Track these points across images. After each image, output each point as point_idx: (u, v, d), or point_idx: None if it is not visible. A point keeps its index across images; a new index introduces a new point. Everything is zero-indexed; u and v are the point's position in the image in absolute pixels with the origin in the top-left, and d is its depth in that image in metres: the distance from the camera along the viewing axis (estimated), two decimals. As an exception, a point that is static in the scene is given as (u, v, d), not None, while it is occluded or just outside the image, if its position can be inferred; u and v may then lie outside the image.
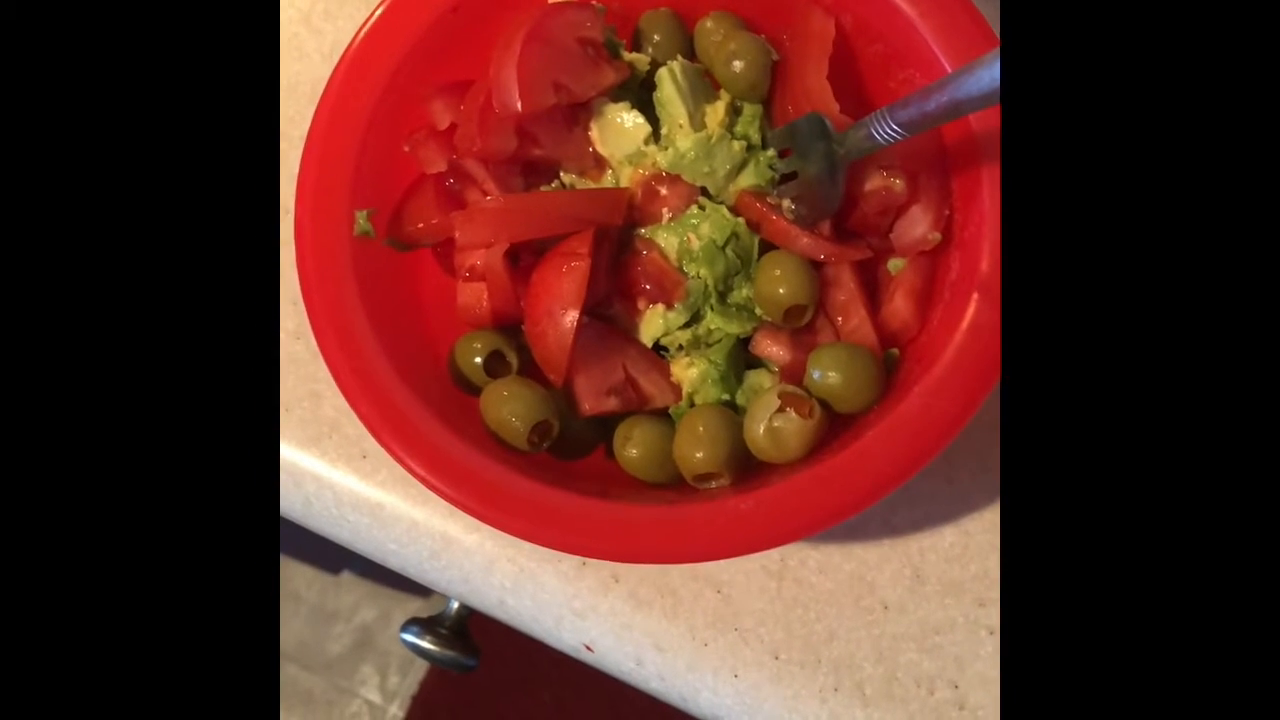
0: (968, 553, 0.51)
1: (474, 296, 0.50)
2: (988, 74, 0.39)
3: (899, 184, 0.48)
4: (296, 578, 1.33)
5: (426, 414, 0.45)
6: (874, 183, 0.49)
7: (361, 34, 0.50)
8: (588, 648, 0.52)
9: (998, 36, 0.47)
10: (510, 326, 0.51)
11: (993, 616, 0.50)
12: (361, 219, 0.48)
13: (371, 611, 1.32)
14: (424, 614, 0.70)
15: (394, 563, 0.55)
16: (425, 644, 0.70)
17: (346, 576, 1.33)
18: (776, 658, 0.50)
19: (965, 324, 0.45)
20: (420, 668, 1.29)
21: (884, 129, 0.44)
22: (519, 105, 0.48)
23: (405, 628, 0.71)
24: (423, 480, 0.44)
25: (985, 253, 0.46)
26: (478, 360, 0.49)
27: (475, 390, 0.49)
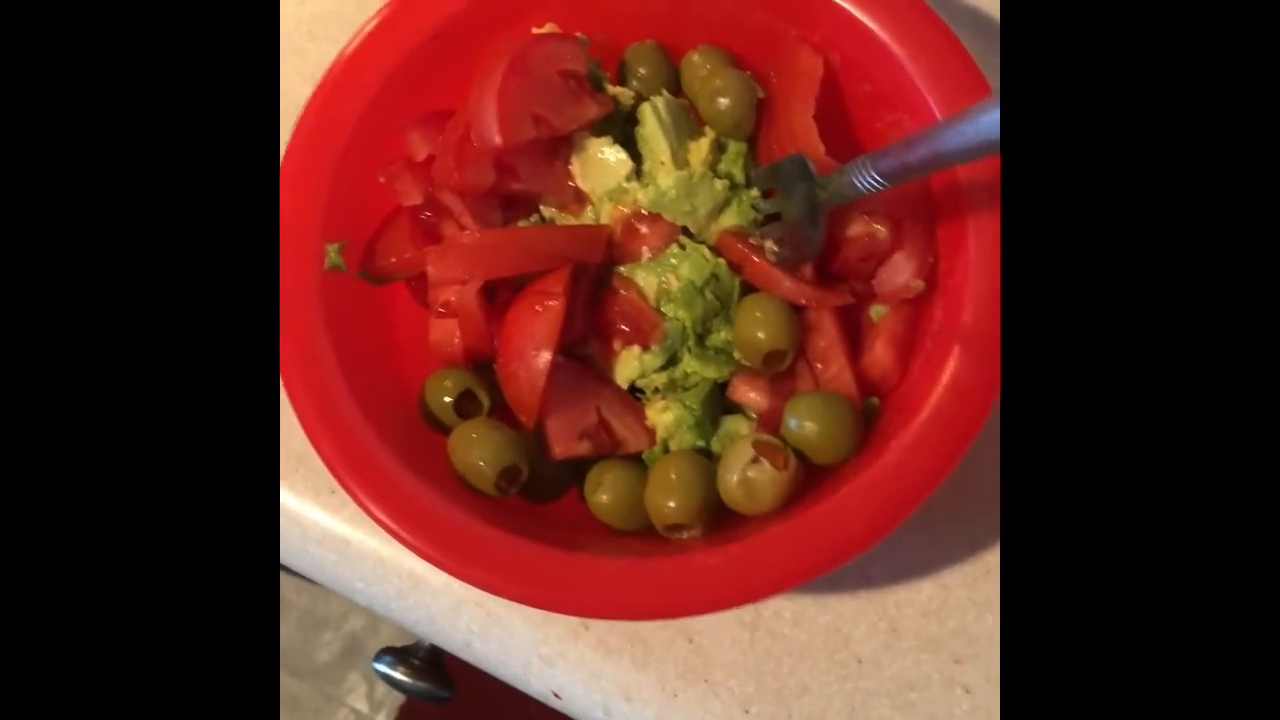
0: (945, 607, 0.50)
1: (446, 333, 0.49)
2: (970, 128, 0.37)
3: (882, 231, 0.47)
4: (286, 583, 1.32)
5: (391, 456, 0.44)
6: (857, 229, 0.47)
7: (340, 60, 0.49)
8: (556, 695, 0.51)
9: (988, 83, 0.46)
10: (485, 364, 0.49)
11: (968, 674, 0.49)
12: (333, 252, 0.47)
13: (360, 620, 1.31)
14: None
15: (361, 600, 0.54)
16: (398, 675, 0.69)
17: (337, 584, 1.31)
18: (747, 711, 0.49)
19: (946, 377, 0.44)
20: (408, 680, 1.28)
21: (865, 178, 0.42)
22: (498, 138, 0.47)
23: (378, 657, 0.70)
24: (384, 526, 0.43)
25: (969, 302, 0.44)
26: (447, 400, 0.48)
27: (446, 430, 0.48)
